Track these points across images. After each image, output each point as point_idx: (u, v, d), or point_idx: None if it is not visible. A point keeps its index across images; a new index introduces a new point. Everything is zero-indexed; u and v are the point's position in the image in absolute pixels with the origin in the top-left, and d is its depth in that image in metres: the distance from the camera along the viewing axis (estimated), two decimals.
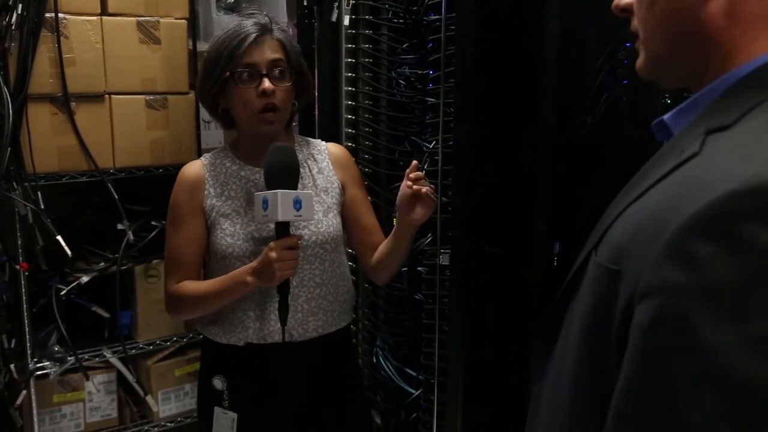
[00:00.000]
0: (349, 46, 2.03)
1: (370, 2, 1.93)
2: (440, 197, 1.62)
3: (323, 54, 2.09)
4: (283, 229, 1.46)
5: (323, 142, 1.74)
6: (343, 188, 1.67)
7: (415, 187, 1.50)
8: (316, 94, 2.14)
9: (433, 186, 1.52)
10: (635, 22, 0.78)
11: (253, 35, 1.53)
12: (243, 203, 1.57)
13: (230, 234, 1.55)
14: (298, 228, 1.55)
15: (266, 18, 1.59)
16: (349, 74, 2.05)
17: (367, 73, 1.98)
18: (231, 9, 2.33)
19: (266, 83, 1.52)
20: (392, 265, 1.64)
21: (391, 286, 1.95)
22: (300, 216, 1.44)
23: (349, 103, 2.08)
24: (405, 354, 2.00)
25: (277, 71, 1.55)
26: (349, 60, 2.04)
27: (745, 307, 0.57)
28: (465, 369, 1.53)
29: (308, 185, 1.61)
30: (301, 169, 1.61)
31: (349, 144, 2.09)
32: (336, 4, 2.00)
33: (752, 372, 0.56)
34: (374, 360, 2.09)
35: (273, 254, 1.43)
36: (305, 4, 2.09)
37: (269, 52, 1.54)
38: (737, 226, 0.57)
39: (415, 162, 1.50)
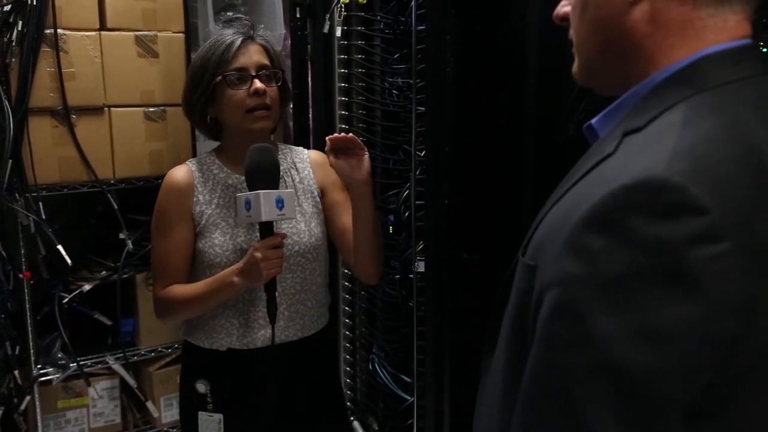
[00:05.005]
0: (342, 56, 2.06)
1: (362, 13, 1.95)
2: (414, 202, 1.65)
3: (317, 65, 2.12)
4: (266, 228, 1.48)
5: (305, 150, 1.77)
6: (323, 193, 1.69)
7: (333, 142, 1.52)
8: (310, 104, 2.18)
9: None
10: (572, 31, 0.80)
11: (239, 40, 1.58)
12: (232, 213, 1.60)
13: (219, 244, 1.57)
14: (285, 234, 1.58)
15: (248, 25, 1.64)
16: (343, 84, 2.08)
17: (360, 83, 2.01)
18: (229, 21, 2.37)
19: (258, 83, 1.56)
20: (367, 251, 1.61)
21: (385, 293, 1.97)
22: (283, 215, 1.46)
23: (343, 112, 2.10)
24: (401, 360, 2.02)
25: (264, 73, 1.59)
26: (342, 70, 2.07)
27: (630, 298, 0.59)
28: (441, 374, 1.54)
29: None
30: (285, 178, 1.64)
31: None
32: (328, 16, 2.03)
33: (637, 362, 0.58)
34: (370, 367, 2.11)
35: (258, 254, 1.45)
36: (298, 16, 2.12)
37: (256, 56, 1.59)
38: (626, 219, 0.59)
39: (327, 137, 1.53)
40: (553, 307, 0.64)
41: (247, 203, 1.44)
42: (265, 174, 1.48)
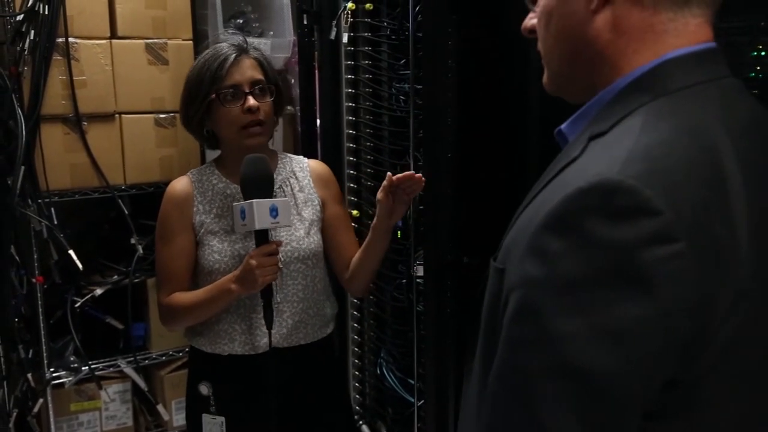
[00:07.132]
0: (349, 62, 2.07)
1: (368, 20, 1.97)
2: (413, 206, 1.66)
3: (324, 71, 2.14)
4: (262, 236, 1.51)
5: (306, 159, 1.79)
6: (323, 205, 1.71)
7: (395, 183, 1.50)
8: (318, 109, 2.20)
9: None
10: (539, 43, 0.81)
11: (233, 56, 1.60)
12: (230, 221, 1.63)
13: (217, 251, 1.60)
14: (280, 241, 1.60)
15: (241, 38, 1.66)
16: (350, 90, 2.09)
17: (367, 89, 2.02)
18: (240, 29, 2.39)
19: (251, 101, 1.59)
20: (367, 275, 1.68)
21: (393, 298, 1.98)
22: (277, 223, 1.49)
23: (350, 118, 2.12)
24: (409, 365, 2.03)
25: (258, 89, 1.61)
26: (349, 76, 2.08)
27: (587, 299, 0.60)
28: (442, 376, 1.55)
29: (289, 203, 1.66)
30: (284, 187, 1.66)
31: (351, 159, 2.13)
32: (334, 23, 2.05)
33: (596, 362, 0.59)
34: (378, 371, 2.12)
35: (253, 261, 1.48)
36: (305, 22, 2.14)
37: (249, 71, 1.61)
38: (581, 221, 0.60)
39: (389, 173, 1.53)
40: (515, 308, 0.65)
41: (242, 212, 1.48)
42: (259, 184, 1.51)
